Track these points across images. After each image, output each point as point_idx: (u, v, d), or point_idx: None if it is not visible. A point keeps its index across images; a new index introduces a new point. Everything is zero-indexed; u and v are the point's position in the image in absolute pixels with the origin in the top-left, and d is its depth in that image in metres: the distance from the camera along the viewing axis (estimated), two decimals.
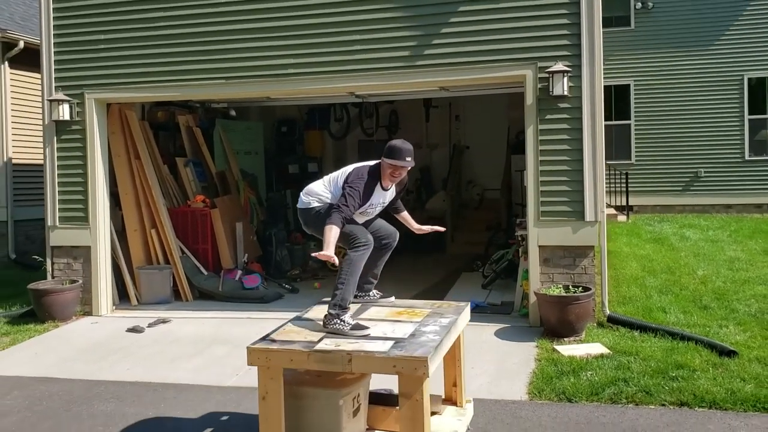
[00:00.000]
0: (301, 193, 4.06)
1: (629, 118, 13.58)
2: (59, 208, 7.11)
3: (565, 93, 5.74)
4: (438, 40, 6.17)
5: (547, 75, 5.80)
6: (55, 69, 7.11)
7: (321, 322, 3.70)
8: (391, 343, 3.41)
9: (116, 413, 4.43)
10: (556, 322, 5.55)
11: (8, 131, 9.91)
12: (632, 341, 5.42)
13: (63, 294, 6.78)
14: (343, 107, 10.88)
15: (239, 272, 7.65)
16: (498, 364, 5.15)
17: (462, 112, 12.35)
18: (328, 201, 3.90)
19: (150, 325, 6.44)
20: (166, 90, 6.95)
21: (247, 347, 3.45)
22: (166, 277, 7.31)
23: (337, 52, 6.49)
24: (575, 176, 5.87)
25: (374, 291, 4.26)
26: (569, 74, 5.75)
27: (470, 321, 6.33)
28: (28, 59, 9.63)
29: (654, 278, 7.43)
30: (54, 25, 7.10)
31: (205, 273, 7.63)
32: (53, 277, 7.10)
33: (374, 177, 3.85)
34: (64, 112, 6.94)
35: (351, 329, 3.59)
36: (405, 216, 4.33)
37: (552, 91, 5.75)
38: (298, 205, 4.05)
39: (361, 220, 3.98)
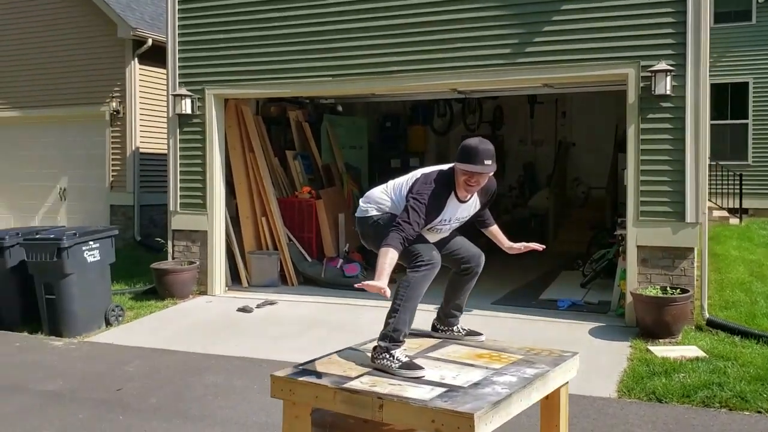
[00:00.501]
0: (360, 200, 3.43)
1: (747, 117, 12.96)
2: (180, 195, 7.69)
3: (668, 92, 5.66)
4: (540, 38, 6.22)
5: (649, 74, 5.74)
6: (179, 66, 7.68)
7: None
8: (441, 390, 2.66)
9: (225, 384, 4.82)
10: (652, 323, 5.51)
11: (137, 123, 10.72)
12: (731, 346, 5.31)
13: (181, 274, 7.36)
14: (446, 103, 11.04)
15: (341, 261, 8.01)
16: (589, 361, 5.18)
17: (569, 109, 12.20)
18: (388, 210, 3.26)
19: (258, 306, 6.88)
20: (279, 87, 7.36)
21: (271, 375, 2.85)
22: (274, 262, 7.78)
23: (440, 49, 6.66)
24: (676, 176, 5.79)
25: (460, 326, 3.57)
26: (672, 73, 5.66)
27: (566, 318, 6.44)
28: (155, 56, 10.36)
29: (762, 283, 7.16)
30: (179, 26, 7.67)
31: (310, 260, 8.04)
32: (173, 258, 7.70)
33: (446, 186, 3.15)
34: (186, 107, 7.50)
35: (400, 367, 2.90)
36: (494, 231, 3.60)
37: (654, 90, 5.69)
38: (356, 214, 3.40)
39: (433, 238, 3.30)
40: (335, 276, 7.79)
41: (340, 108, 9.75)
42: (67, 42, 11.10)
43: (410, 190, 3.16)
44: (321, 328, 6.18)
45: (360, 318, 6.44)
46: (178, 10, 7.65)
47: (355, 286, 2.82)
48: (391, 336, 3.00)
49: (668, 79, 5.64)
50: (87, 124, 11.05)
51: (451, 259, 3.44)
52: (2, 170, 11.87)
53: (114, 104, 10.72)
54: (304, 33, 7.16)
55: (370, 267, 8.67)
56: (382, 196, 3.32)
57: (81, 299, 6.15)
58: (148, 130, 10.87)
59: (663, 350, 5.20)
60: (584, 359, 5.26)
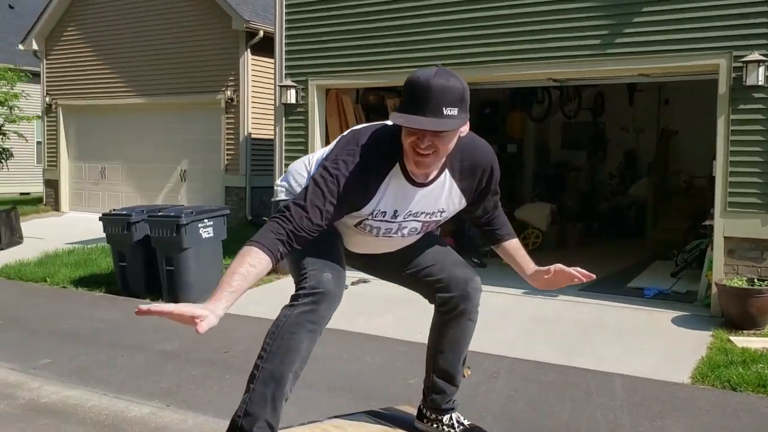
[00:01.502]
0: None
1: None
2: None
3: (760, 83, 5.62)
4: (630, 29, 6.29)
5: (741, 65, 5.71)
6: (285, 58, 8.23)
7: None
8: None
9: (319, 352, 5.30)
10: (736, 314, 5.54)
11: (249, 110, 11.46)
12: None
13: None
14: (544, 90, 11.09)
15: (449, 240, 8.34)
16: (668, 347, 5.31)
17: (672, 96, 11.93)
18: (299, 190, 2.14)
19: (353, 284, 7.35)
20: (378, 77, 7.77)
21: None
22: None
23: (533, 39, 6.84)
24: (766, 168, 5.74)
25: (455, 416, 2.46)
26: (765, 64, 5.61)
27: (651, 306, 6.52)
28: (265, 46, 11.02)
29: None
30: (285, 20, 8.21)
31: None
32: None
33: (385, 153, 2.04)
34: (291, 97, 8.05)
35: None
36: (510, 248, 2.37)
37: (745, 81, 5.66)
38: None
39: (366, 243, 2.27)
40: None
41: None
42: (188, 35, 11.98)
43: (326, 158, 2.10)
44: (408, 308, 6.57)
45: None
46: (285, 5, 8.19)
47: (140, 308, 1.75)
48: (241, 426, 2.00)
49: (761, 69, 5.60)
50: (204, 111, 11.91)
51: (419, 284, 2.38)
52: (131, 153, 12.99)
53: (228, 93, 11.49)
54: (402, 25, 7.51)
55: (461, 251, 8.94)
56: (300, 171, 2.30)
57: (196, 271, 6.82)
58: (259, 116, 11.58)
59: (744, 341, 5.24)
60: (663, 345, 5.41)
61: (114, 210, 7.53)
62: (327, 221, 2.01)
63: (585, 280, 2.22)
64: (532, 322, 6.02)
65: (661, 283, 7.17)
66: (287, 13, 8.20)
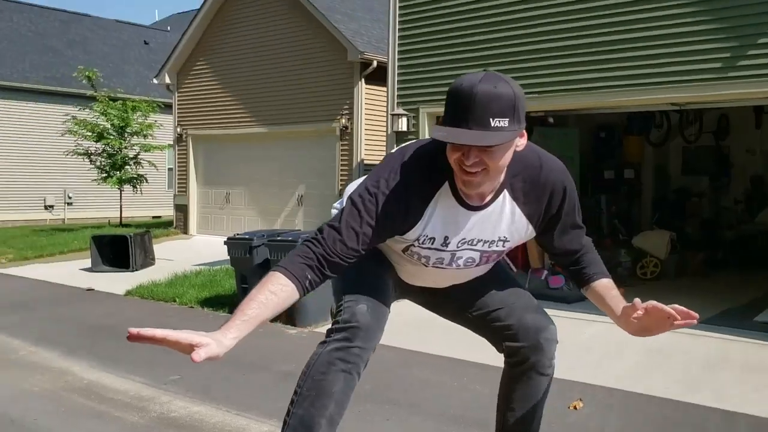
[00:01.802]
0: None
1: None
2: None
3: None
4: (752, 51, 6.04)
5: None
6: (397, 87, 8.47)
7: None
8: None
9: (430, 379, 5.39)
10: None
11: (362, 137, 11.81)
12: None
13: None
14: (663, 114, 10.75)
15: (545, 272, 8.25)
16: None
17: None
18: None
19: None
20: None
21: None
22: None
23: (652, 64, 6.70)
24: None
25: None
26: None
27: None
28: (378, 75, 11.35)
29: None
30: (398, 51, 8.46)
31: (515, 270, 8.39)
32: None
33: (430, 173, 1.82)
34: (402, 125, 8.26)
35: None
36: (602, 287, 2.02)
37: None
38: None
39: (417, 275, 2.08)
40: (539, 287, 8.06)
41: (551, 120, 9.98)
42: (307, 67, 12.54)
43: (369, 176, 1.91)
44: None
45: (560, 329, 6.68)
46: (398, 36, 8.44)
47: (130, 332, 1.61)
48: None
49: None
50: (320, 138, 12.38)
51: (485, 329, 2.17)
52: (253, 179, 13.68)
53: (343, 121, 11.90)
54: (509, 53, 7.57)
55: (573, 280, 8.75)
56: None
57: (312, 294, 7.06)
58: (372, 143, 11.90)
59: None
60: None
61: (237, 234, 7.96)
62: (364, 246, 1.80)
63: (684, 323, 1.74)
64: (650, 354, 5.83)
65: None
66: (400, 44, 8.44)
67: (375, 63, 11.44)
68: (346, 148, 12.01)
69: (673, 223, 10.22)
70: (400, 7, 8.43)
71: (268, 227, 12.27)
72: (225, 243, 7.70)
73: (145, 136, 16.02)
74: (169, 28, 27.75)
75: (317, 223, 10.64)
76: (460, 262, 1.96)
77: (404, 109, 8.33)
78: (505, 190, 1.86)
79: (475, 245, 1.93)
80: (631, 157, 11.31)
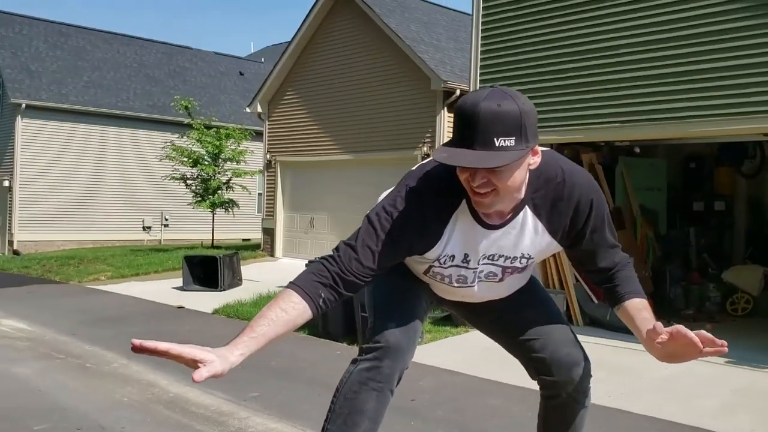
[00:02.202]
0: None
1: None
2: None
3: None
4: None
5: None
6: None
7: None
8: None
9: (502, 407, 5.38)
10: None
11: None
12: None
13: None
14: (757, 144, 10.34)
15: None
16: None
17: None
18: None
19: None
20: (570, 133, 7.80)
21: None
22: (560, 301, 8.12)
23: (741, 93, 6.53)
24: None
25: None
26: None
27: None
28: None
29: None
30: (480, 80, 8.54)
31: (596, 302, 8.24)
32: None
33: (445, 192, 1.81)
34: None
35: None
36: (633, 307, 1.91)
37: None
38: None
39: (445, 293, 2.06)
40: (617, 319, 7.88)
41: (637, 149, 9.79)
42: (391, 96, 12.81)
43: (388, 194, 1.93)
44: (600, 370, 6.42)
45: (641, 364, 6.51)
46: (480, 66, 8.54)
47: (133, 343, 1.60)
48: None
49: None
50: (402, 166, 12.52)
51: (519, 355, 2.16)
52: (336, 204, 14.01)
53: (425, 149, 12.05)
54: (595, 81, 7.52)
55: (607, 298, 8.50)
56: None
57: None
58: None
59: None
60: None
61: (317, 258, 8.18)
62: (381, 265, 1.78)
63: (713, 351, 1.64)
64: (735, 394, 5.61)
65: None
66: (482, 74, 8.53)
67: (458, 92, 11.56)
68: None
69: (766, 259, 9.77)
70: (482, 36, 8.53)
71: None
72: (306, 266, 7.92)
73: (237, 162, 16.69)
74: (263, 59, 28.87)
75: None
76: (482, 275, 1.94)
77: None
78: (527, 207, 1.82)
79: (497, 260, 1.90)
80: (723, 189, 10.90)
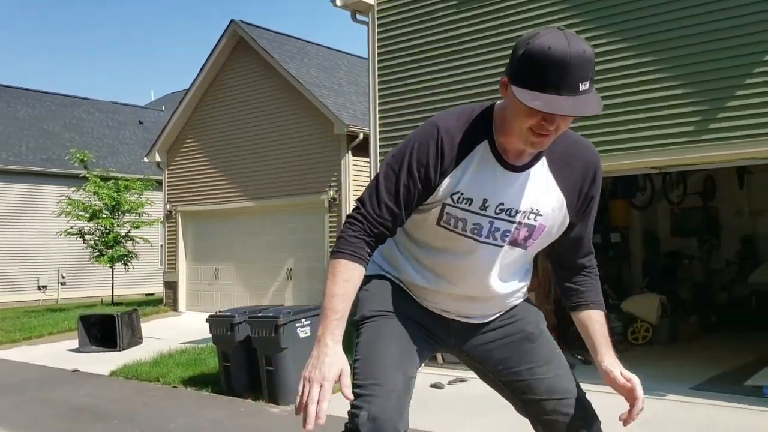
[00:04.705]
0: None
1: None
2: None
3: None
4: (724, 113, 6.11)
5: None
6: (379, 159, 8.53)
7: None
8: None
9: None
10: None
11: (350, 207, 11.84)
12: None
13: None
14: (646, 177, 10.81)
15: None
16: None
17: None
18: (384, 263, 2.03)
19: (450, 383, 7.24)
20: None
21: None
22: None
23: (628, 129, 6.77)
24: None
25: None
26: None
27: (765, 407, 5.96)
28: (365, 147, 11.45)
29: None
30: (379, 124, 8.56)
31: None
32: None
33: (469, 130, 1.79)
34: None
35: None
36: (591, 321, 1.99)
37: None
38: None
39: (450, 268, 1.91)
40: None
41: None
42: (294, 140, 12.71)
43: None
44: (508, 409, 6.37)
45: None
46: (379, 110, 8.56)
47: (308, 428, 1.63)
48: None
49: None
50: (309, 211, 12.42)
51: (526, 411, 2.09)
52: (242, 254, 13.65)
53: (331, 193, 11.96)
54: None
55: (565, 347, 8.59)
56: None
57: (294, 371, 6.94)
58: None
59: None
60: None
61: (219, 312, 7.87)
62: (407, 207, 1.77)
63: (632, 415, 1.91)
64: (642, 426, 5.66)
65: None
66: (380, 117, 8.55)
67: (361, 135, 11.58)
68: (334, 219, 12.03)
69: (663, 287, 10.12)
70: (379, 81, 8.59)
71: (257, 302, 12.16)
72: (207, 321, 7.60)
73: (139, 214, 16.10)
74: (163, 107, 28.29)
75: (307, 297, 10.52)
76: (498, 234, 1.85)
77: None
78: (544, 158, 1.83)
79: (514, 216, 1.83)
80: (618, 221, 11.28)
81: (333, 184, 12.03)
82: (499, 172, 1.80)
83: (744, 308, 10.44)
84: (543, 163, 1.83)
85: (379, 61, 8.62)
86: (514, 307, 2.07)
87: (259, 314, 7.15)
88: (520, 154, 1.79)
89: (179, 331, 11.91)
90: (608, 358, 1.96)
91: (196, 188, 14.46)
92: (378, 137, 8.56)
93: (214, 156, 14.10)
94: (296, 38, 15.47)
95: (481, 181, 1.79)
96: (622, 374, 1.93)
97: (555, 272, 2.08)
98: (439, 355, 8.25)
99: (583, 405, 2.01)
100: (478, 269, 1.89)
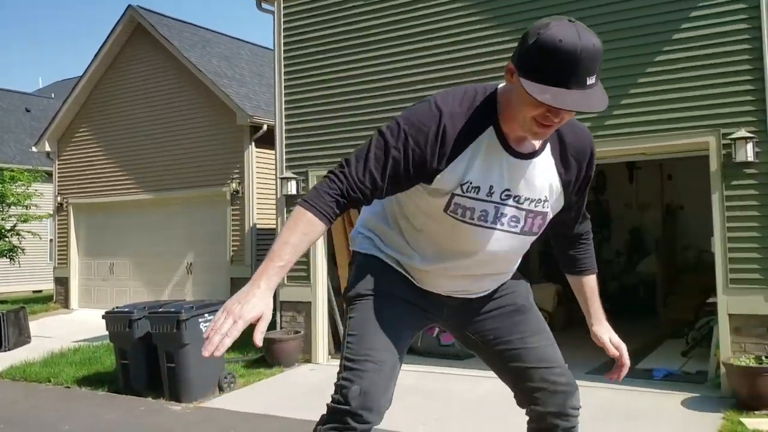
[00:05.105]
0: None
1: None
2: None
3: (750, 159, 5.66)
4: (618, 111, 6.40)
5: (729, 141, 5.77)
6: (285, 151, 8.41)
7: None
8: None
9: None
10: (746, 394, 5.38)
11: (254, 201, 11.63)
12: None
13: (288, 343, 7.87)
14: None
15: (437, 330, 8.25)
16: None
17: (674, 171, 12.01)
18: (380, 231, 2.04)
19: None
20: None
21: None
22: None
23: None
24: (765, 243, 5.70)
25: None
26: (754, 140, 5.66)
27: (661, 389, 6.34)
28: (269, 138, 11.26)
29: None
30: (285, 114, 8.44)
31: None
32: (281, 328, 8.26)
33: (474, 115, 1.75)
34: (292, 188, 8.18)
35: None
36: (590, 288, 2.20)
37: (735, 158, 5.71)
38: None
39: (451, 249, 1.91)
40: (431, 345, 8.05)
41: None
42: (194, 131, 12.32)
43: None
44: (415, 396, 6.44)
45: (450, 387, 6.65)
46: (285, 101, 8.44)
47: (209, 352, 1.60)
48: None
49: (749, 146, 5.65)
50: (210, 203, 12.09)
51: (514, 383, 2.12)
52: (139, 248, 13.12)
53: (234, 185, 11.69)
54: (391, 118, 7.68)
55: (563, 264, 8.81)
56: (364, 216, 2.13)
57: (197, 367, 6.75)
58: (264, 207, 11.74)
59: (756, 422, 5.06)
60: (673, 431, 5.22)
61: (116, 308, 7.54)
62: (390, 182, 1.74)
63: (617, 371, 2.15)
64: None
65: (671, 363, 7.01)
66: (287, 108, 8.43)
67: (265, 126, 11.37)
68: (237, 213, 11.77)
69: (560, 276, 10.51)
70: (285, 72, 8.46)
71: (155, 298, 11.72)
72: (103, 317, 7.27)
73: (26, 207, 15.17)
74: (52, 94, 26.80)
75: (208, 292, 10.23)
76: (504, 220, 1.86)
77: (293, 173, 8.27)
78: (549, 144, 1.84)
79: (522, 203, 1.85)
80: None
81: (236, 176, 11.76)
82: (505, 160, 1.79)
83: (633, 296, 11.03)
84: (548, 149, 1.85)
85: (285, 51, 8.49)
86: (507, 280, 2.15)
87: (160, 310, 6.90)
88: (521, 140, 1.79)
89: (71, 329, 11.33)
90: (598, 323, 2.17)
91: (89, 180, 13.77)
92: (284, 128, 8.44)
93: (110, 146, 13.48)
94: (197, 26, 14.99)
95: (488, 169, 1.79)
96: (611, 340, 2.15)
97: (553, 242, 2.17)
98: None
99: (567, 375, 2.10)
100: (483, 254, 1.91)
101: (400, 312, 1.97)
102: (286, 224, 1.72)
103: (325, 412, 1.91)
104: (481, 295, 2.07)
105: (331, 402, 1.87)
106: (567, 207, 1.97)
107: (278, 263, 1.67)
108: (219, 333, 1.61)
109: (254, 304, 1.64)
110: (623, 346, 2.15)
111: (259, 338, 1.65)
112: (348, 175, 1.73)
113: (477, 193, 1.80)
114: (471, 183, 1.78)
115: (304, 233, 1.70)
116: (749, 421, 5.10)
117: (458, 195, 1.79)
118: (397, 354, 1.92)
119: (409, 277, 2.01)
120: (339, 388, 1.85)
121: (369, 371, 1.83)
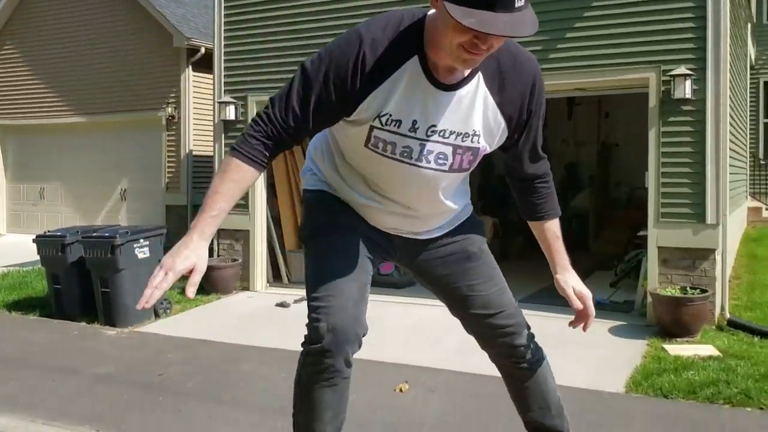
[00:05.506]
0: None
1: None
2: None
3: (688, 96, 5.79)
4: (563, 44, 6.41)
5: (669, 78, 5.87)
6: (224, 75, 8.16)
7: None
8: None
9: (257, 372, 5.22)
10: (670, 322, 5.65)
11: (190, 127, 11.31)
12: (748, 346, 5.40)
13: (225, 271, 7.82)
14: None
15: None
16: (604, 358, 5.37)
17: (611, 109, 12.23)
18: (322, 167, 2.01)
19: (295, 302, 7.27)
20: None
21: None
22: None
23: None
24: (697, 179, 5.90)
25: None
26: (692, 77, 5.78)
27: None
28: (207, 63, 10.89)
29: None
30: (224, 37, 8.15)
31: None
32: (218, 256, 8.18)
33: (399, 42, 1.66)
34: (230, 113, 7.97)
35: None
36: (552, 232, 2.14)
37: (674, 95, 5.82)
38: None
39: (386, 183, 1.88)
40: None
41: None
42: (129, 53, 11.80)
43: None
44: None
45: (386, 313, 6.77)
46: (224, 22, 8.13)
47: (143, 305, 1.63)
48: None
49: (687, 83, 5.76)
50: (145, 129, 11.71)
51: (474, 326, 2.16)
52: (71, 173, 12.68)
53: (169, 110, 11.32)
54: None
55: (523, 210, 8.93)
56: (316, 146, 2.07)
57: (132, 293, 6.65)
58: (201, 133, 11.44)
59: (677, 349, 5.35)
60: (600, 356, 5.47)
61: (48, 231, 7.31)
62: (318, 118, 1.70)
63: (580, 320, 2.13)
64: None
65: (600, 293, 7.26)
66: (226, 30, 8.14)
67: (203, 50, 10.96)
68: (173, 138, 11.43)
69: (497, 210, 10.71)
70: None
71: (87, 224, 11.42)
72: (34, 241, 7.04)
73: None
74: None
75: (142, 219, 10.02)
76: (431, 157, 1.79)
77: (232, 97, 8.04)
78: (480, 73, 1.72)
79: (448, 138, 1.77)
80: None
81: (171, 100, 11.38)
82: (430, 92, 1.70)
83: (567, 230, 11.30)
84: (479, 79, 1.73)
85: None
86: (463, 224, 2.10)
87: (94, 234, 6.73)
88: (452, 70, 1.68)
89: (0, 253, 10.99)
90: (562, 271, 2.12)
91: (16, 100, 13.10)
92: (223, 51, 8.16)
93: (38, 66, 12.80)
94: None
95: (410, 102, 1.70)
96: (574, 290, 2.10)
97: (510, 184, 2.10)
98: (284, 275, 8.26)
99: (515, 317, 2.14)
100: (413, 191, 1.88)
101: (356, 241, 1.94)
102: (217, 173, 1.72)
103: (300, 354, 1.92)
104: (430, 237, 2.06)
105: (304, 342, 1.87)
106: (514, 143, 1.88)
107: (210, 213, 1.67)
108: (150, 286, 1.62)
109: (186, 256, 1.64)
110: (588, 296, 2.10)
111: (191, 291, 1.63)
112: (272, 116, 1.70)
113: (398, 127, 1.73)
114: (390, 116, 1.71)
115: (234, 180, 1.68)
116: (671, 347, 5.37)
117: (377, 128, 1.73)
118: (361, 279, 1.90)
119: (355, 210, 2.00)
120: (309, 328, 1.84)
121: (333, 306, 1.81)
